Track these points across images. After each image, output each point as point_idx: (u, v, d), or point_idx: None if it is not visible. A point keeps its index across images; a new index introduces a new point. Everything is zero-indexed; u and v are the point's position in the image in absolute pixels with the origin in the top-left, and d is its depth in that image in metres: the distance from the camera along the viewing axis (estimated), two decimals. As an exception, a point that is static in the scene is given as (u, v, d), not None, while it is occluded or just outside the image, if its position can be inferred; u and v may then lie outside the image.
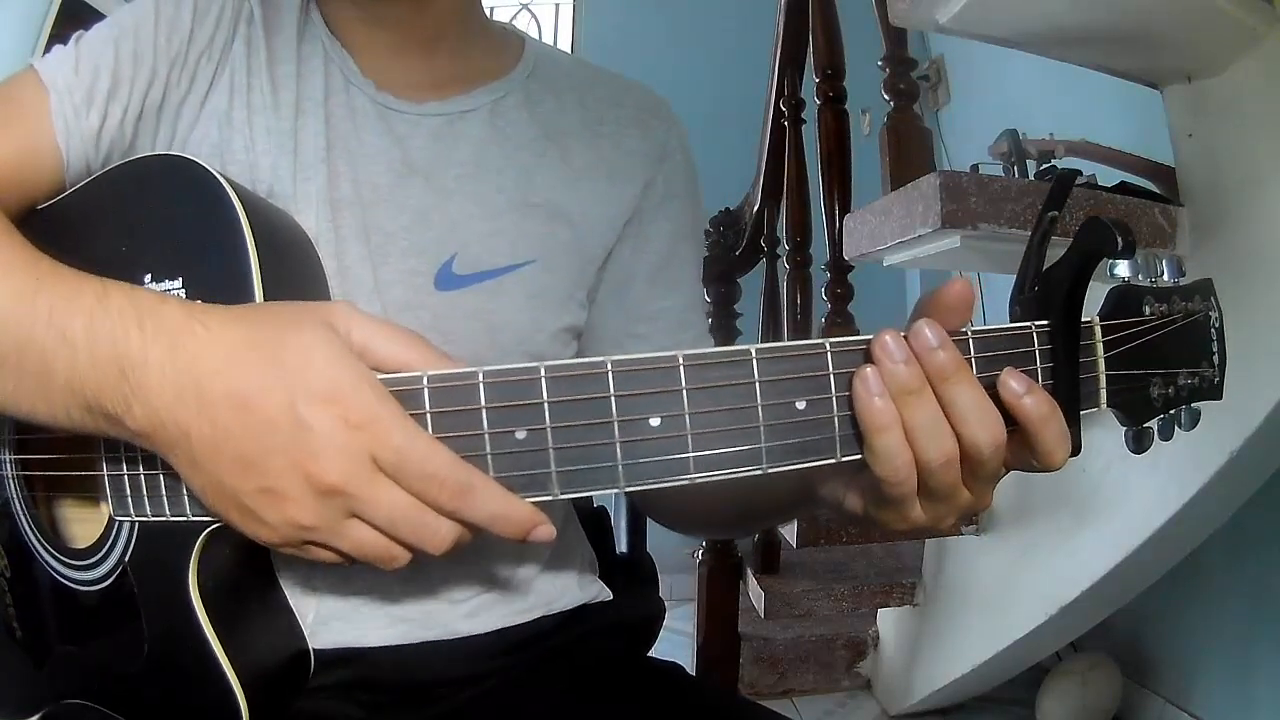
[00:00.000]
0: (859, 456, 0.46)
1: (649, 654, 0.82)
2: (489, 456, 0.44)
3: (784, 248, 2.08)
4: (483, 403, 0.44)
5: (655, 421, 0.43)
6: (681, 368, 0.43)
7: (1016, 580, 1.68)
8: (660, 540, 0.99)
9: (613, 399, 0.43)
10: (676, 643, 2.26)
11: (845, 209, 1.72)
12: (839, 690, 2.16)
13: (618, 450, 0.44)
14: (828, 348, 0.45)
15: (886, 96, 1.70)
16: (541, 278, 0.70)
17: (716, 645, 2.02)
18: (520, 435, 0.44)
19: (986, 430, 0.45)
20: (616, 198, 0.74)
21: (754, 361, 0.44)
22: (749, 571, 2.01)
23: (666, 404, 0.44)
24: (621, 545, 0.98)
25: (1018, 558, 1.69)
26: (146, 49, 0.65)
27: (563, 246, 0.72)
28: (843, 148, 1.82)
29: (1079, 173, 0.50)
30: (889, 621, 2.12)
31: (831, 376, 0.45)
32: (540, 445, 0.44)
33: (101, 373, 0.46)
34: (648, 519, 0.99)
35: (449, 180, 0.69)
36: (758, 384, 0.44)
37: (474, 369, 0.45)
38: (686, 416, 0.44)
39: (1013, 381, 0.45)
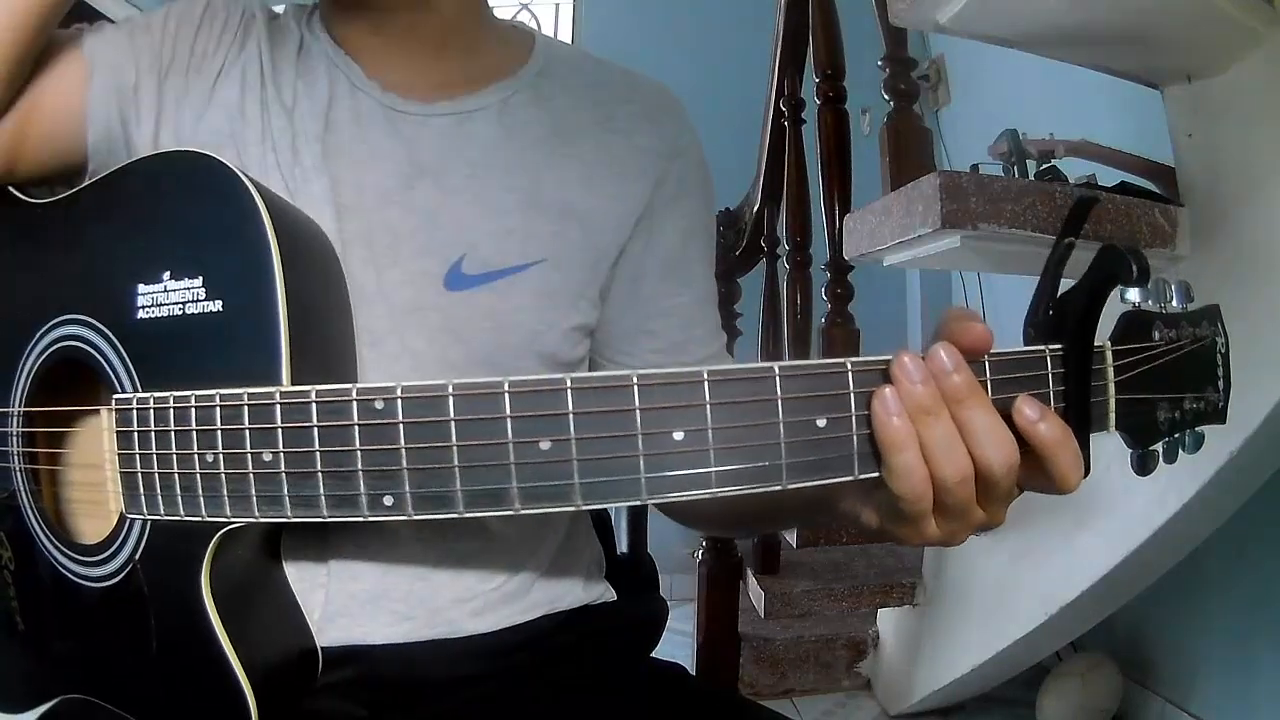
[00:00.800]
0: (877, 475, 0.46)
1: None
2: (513, 466, 0.45)
3: (784, 248, 2.08)
4: (508, 412, 0.44)
5: (679, 435, 0.44)
6: (706, 383, 0.44)
7: (1016, 580, 1.68)
8: (660, 540, 0.99)
9: (637, 412, 0.44)
10: (676, 643, 2.26)
11: (845, 209, 1.73)
12: (839, 690, 2.16)
13: (641, 463, 0.44)
14: (849, 367, 0.45)
15: (886, 96, 1.70)
16: (552, 277, 0.70)
17: (716, 645, 2.02)
18: (544, 446, 0.44)
19: (1000, 451, 0.46)
20: (628, 195, 0.74)
21: (776, 379, 0.44)
22: (749, 571, 2.01)
23: (690, 418, 0.44)
24: (622, 545, 0.98)
25: (1018, 558, 1.69)
26: (157, 39, 0.68)
27: (573, 245, 0.72)
28: (843, 148, 1.83)
29: (1097, 200, 0.51)
30: (889, 621, 2.12)
31: (852, 395, 0.45)
32: (564, 456, 0.44)
33: None
34: (648, 520, 0.99)
35: (458, 180, 0.69)
36: (779, 401, 0.44)
37: (500, 379, 0.45)
38: (709, 431, 0.44)
39: (1026, 408, 0.46)
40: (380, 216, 0.67)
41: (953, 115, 3.04)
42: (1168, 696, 1.83)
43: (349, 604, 0.66)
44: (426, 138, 0.70)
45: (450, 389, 0.45)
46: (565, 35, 3.51)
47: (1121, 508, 1.43)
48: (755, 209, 2.22)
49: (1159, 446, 0.51)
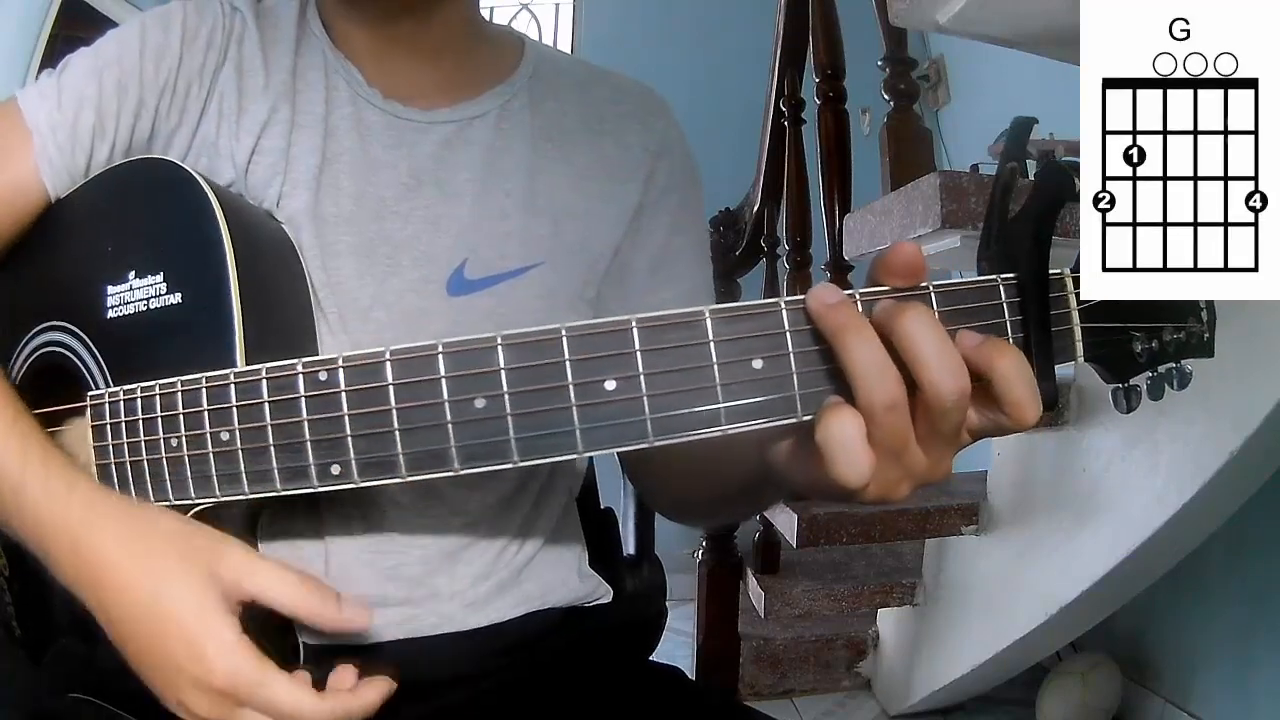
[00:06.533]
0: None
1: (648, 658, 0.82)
2: (450, 426, 0.45)
3: (784, 248, 2.08)
4: (442, 373, 0.45)
5: (610, 385, 0.44)
6: (634, 330, 0.43)
7: (1016, 580, 1.68)
8: (660, 540, 0.98)
9: (567, 364, 0.44)
10: (676, 643, 2.26)
11: (845, 209, 1.73)
12: (839, 690, 2.16)
13: (574, 415, 0.44)
14: (782, 306, 0.44)
15: (886, 96, 1.70)
16: (550, 278, 0.71)
17: (716, 645, 2.02)
18: (479, 404, 0.45)
19: (951, 377, 0.42)
20: (620, 195, 0.74)
21: (708, 322, 0.43)
22: (749, 571, 2.00)
23: (621, 366, 0.44)
24: (629, 547, 0.98)
25: (1018, 558, 1.68)
26: (132, 80, 0.64)
27: (570, 246, 0.72)
28: (843, 148, 1.83)
29: (1035, 120, 0.49)
30: (889, 621, 2.12)
31: (788, 334, 0.44)
32: (499, 413, 0.44)
33: (41, 546, 0.54)
34: (655, 520, 0.99)
35: (459, 186, 0.69)
36: (712, 344, 0.43)
37: (435, 341, 0.46)
38: (641, 378, 0.43)
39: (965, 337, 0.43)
40: (378, 227, 0.67)
41: (953, 115, 3.04)
42: (1168, 696, 1.82)
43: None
44: (428, 145, 0.70)
45: (388, 354, 0.46)
46: (565, 35, 3.52)
47: (1121, 508, 1.42)
48: (755, 209, 2.22)
49: (1141, 382, 0.48)
